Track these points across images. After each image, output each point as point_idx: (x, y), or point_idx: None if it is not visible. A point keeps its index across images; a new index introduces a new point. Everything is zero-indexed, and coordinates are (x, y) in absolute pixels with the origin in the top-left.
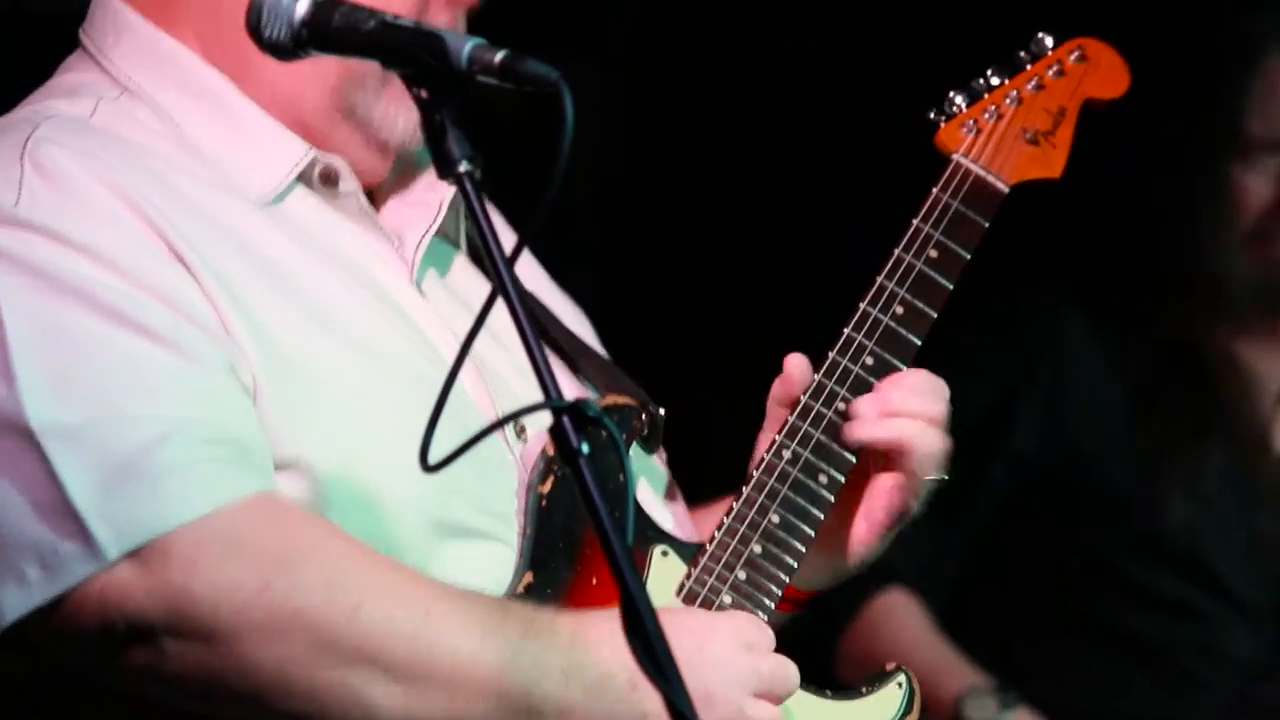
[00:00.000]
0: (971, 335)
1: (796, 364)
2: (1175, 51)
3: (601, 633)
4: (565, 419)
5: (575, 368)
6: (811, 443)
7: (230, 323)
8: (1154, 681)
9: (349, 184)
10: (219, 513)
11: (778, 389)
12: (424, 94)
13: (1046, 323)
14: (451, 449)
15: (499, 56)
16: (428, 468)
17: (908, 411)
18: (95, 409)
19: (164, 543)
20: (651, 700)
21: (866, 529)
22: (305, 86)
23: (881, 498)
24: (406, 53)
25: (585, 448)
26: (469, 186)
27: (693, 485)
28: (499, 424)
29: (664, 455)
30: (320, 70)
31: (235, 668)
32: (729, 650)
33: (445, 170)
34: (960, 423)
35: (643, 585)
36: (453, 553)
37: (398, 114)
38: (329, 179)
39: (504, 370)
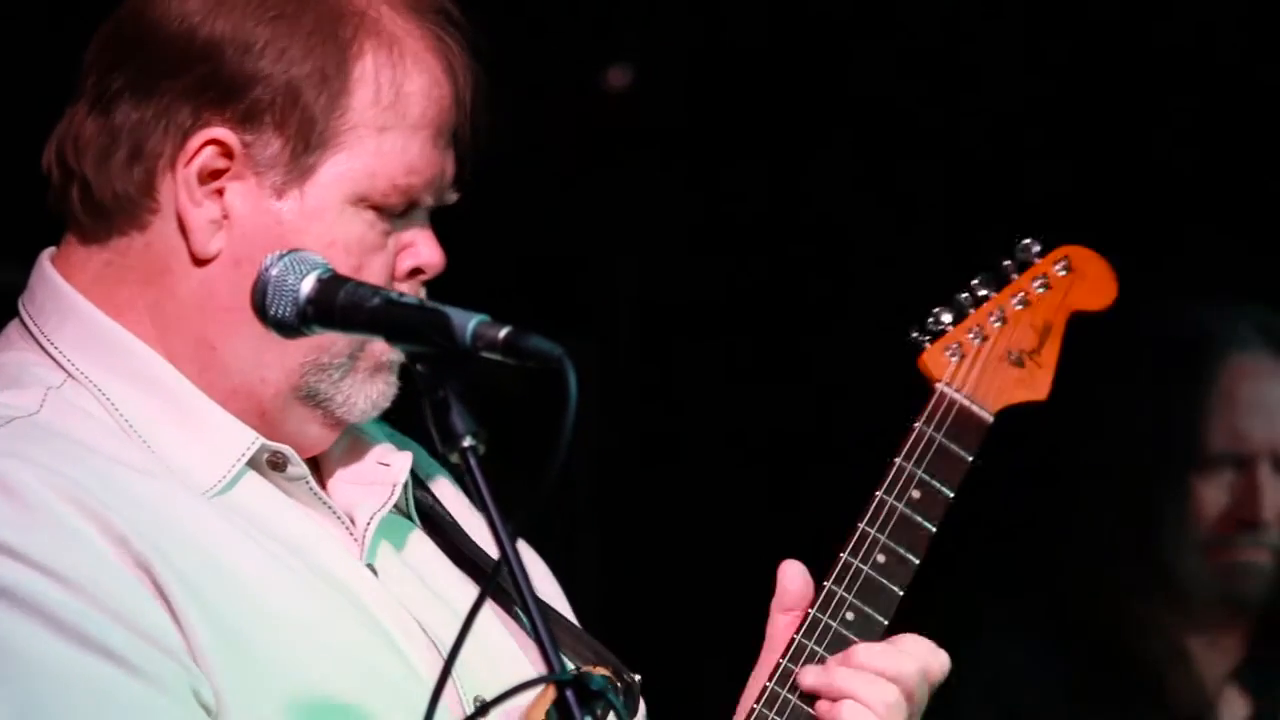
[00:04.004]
0: None
1: (791, 575)
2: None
3: None
4: (569, 692)
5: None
6: (789, 709)
7: (193, 635)
8: None
9: (298, 469)
10: None
11: (785, 599)
12: (426, 370)
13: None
14: None
15: (503, 333)
16: None
17: (857, 696)
18: None
19: None
20: None
21: None
22: (268, 373)
23: None
24: (411, 330)
25: None
26: (473, 461)
27: None
28: (506, 696)
29: None
30: (285, 358)
31: None
32: None
33: (449, 445)
34: None
35: None
36: None
37: (359, 396)
38: (277, 465)
39: (464, 650)
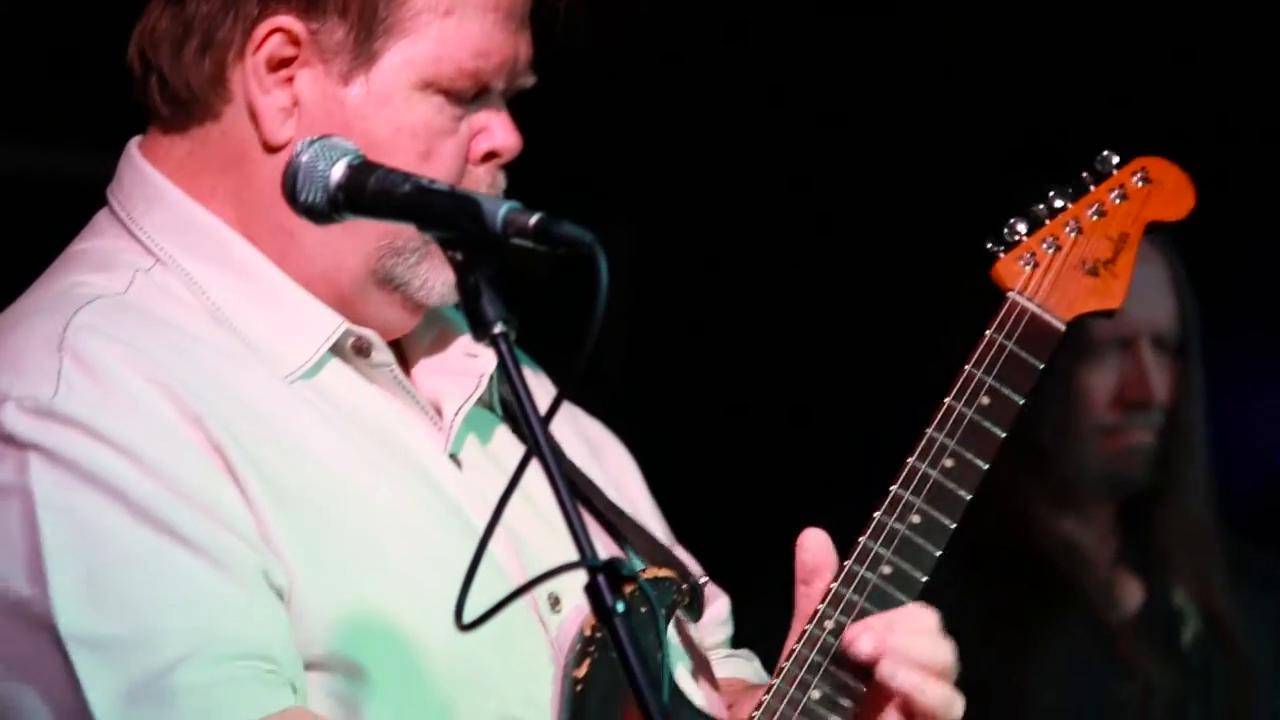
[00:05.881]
0: None
1: (812, 541)
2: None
3: None
4: (600, 578)
5: (619, 538)
6: (855, 611)
7: (266, 518)
8: None
9: (382, 355)
10: None
11: (800, 569)
12: (459, 256)
13: None
14: (484, 616)
15: (533, 220)
16: (463, 626)
17: (908, 658)
18: (125, 622)
19: None
20: None
21: None
22: (345, 259)
23: None
24: (442, 217)
25: (621, 606)
26: (504, 348)
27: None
28: (535, 582)
29: (702, 630)
30: (360, 243)
31: None
32: None
33: (480, 332)
34: None
35: None
36: None
37: (435, 280)
38: (362, 350)
39: (539, 539)
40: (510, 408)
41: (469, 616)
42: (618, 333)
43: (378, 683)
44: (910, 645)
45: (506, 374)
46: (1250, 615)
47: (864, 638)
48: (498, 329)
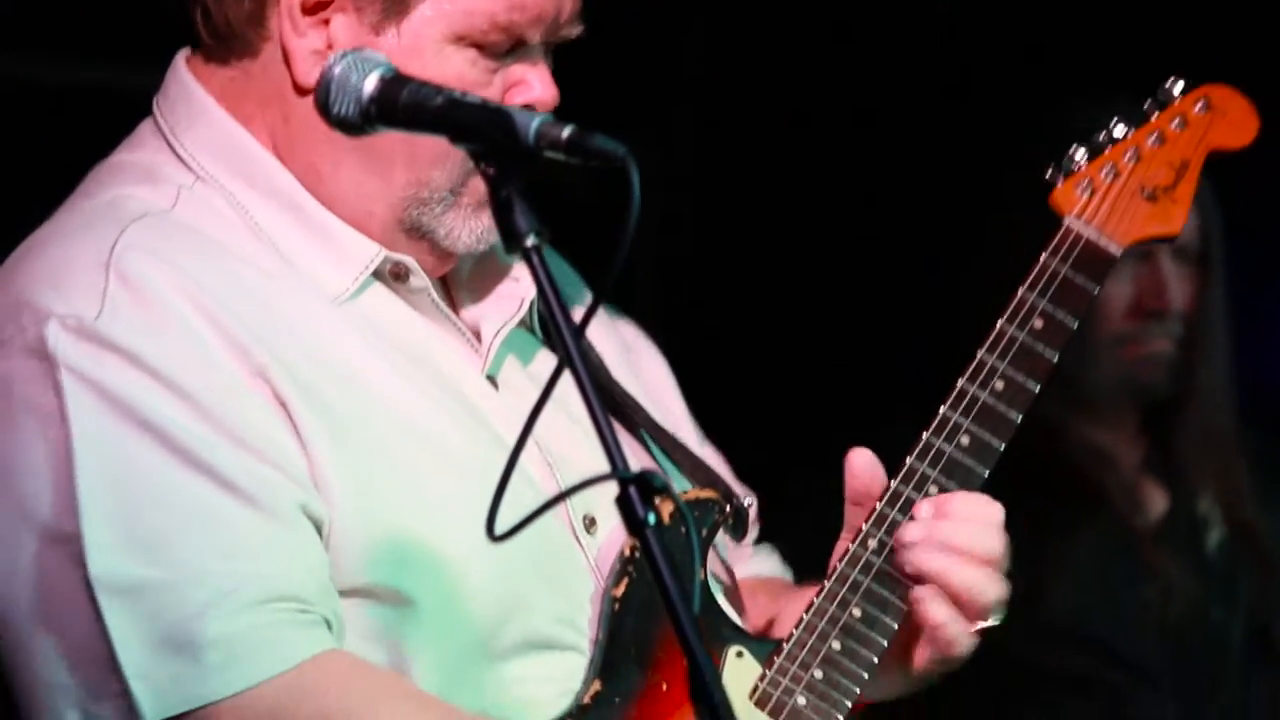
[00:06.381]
0: None
1: (860, 462)
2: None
3: None
4: (631, 489)
5: (664, 456)
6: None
7: (313, 447)
8: None
9: (420, 280)
10: (263, 685)
11: (849, 490)
12: (491, 170)
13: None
14: (516, 528)
15: (566, 132)
16: (494, 538)
17: (956, 547)
18: (155, 566)
19: (205, 715)
20: None
21: (920, 656)
22: (373, 206)
23: (928, 634)
24: (474, 129)
25: (651, 518)
26: (536, 260)
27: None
28: (567, 493)
29: (749, 548)
30: (388, 190)
31: None
32: None
33: (512, 244)
34: None
35: (708, 655)
36: (526, 669)
37: (461, 229)
38: (400, 276)
39: (577, 455)
40: (546, 323)
41: (501, 530)
42: (648, 245)
43: (419, 608)
44: (952, 532)
45: (539, 285)
46: (1276, 518)
47: (911, 527)
48: (529, 241)
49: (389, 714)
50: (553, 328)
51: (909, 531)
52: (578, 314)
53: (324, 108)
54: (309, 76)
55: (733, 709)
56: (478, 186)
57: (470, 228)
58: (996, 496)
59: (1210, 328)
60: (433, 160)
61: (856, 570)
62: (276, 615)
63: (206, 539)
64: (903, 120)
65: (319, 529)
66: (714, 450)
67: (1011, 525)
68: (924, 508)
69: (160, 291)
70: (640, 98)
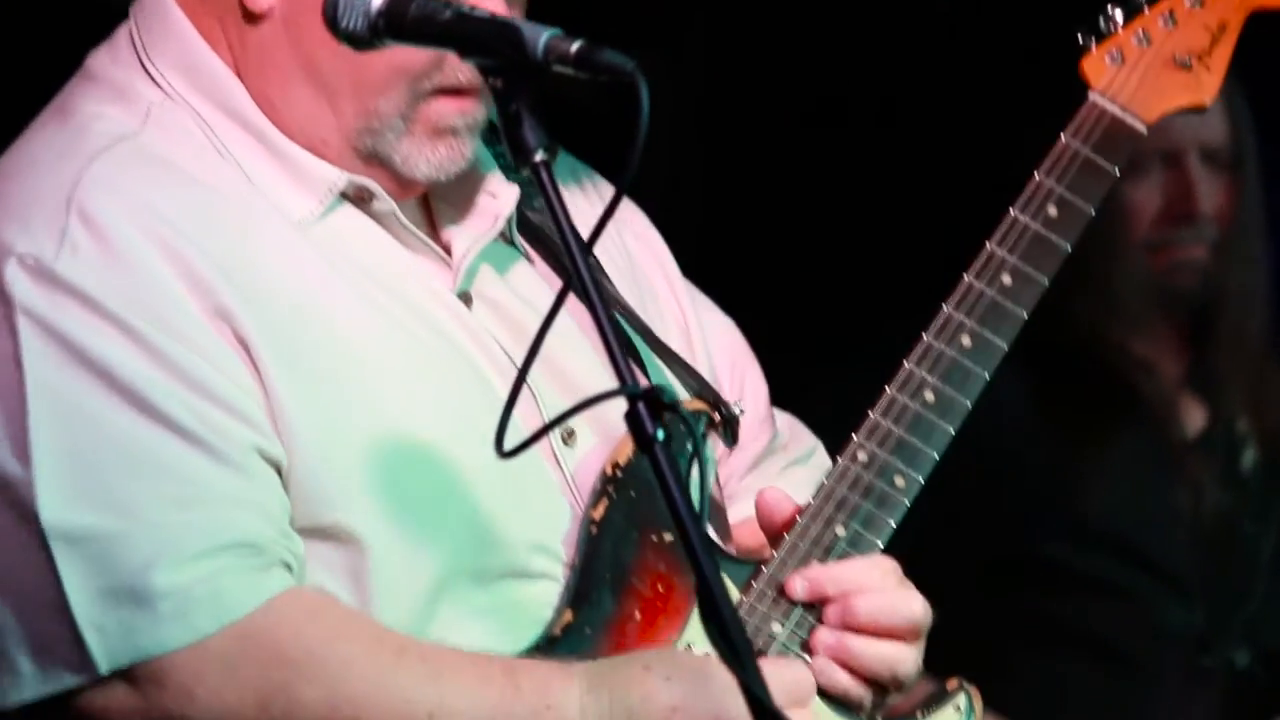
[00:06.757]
0: None
1: (770, 502)
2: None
3: (629, 676)
4: (640, 405)
5: (660, 362)
6: (891, 441)
7: (273, 386)
8: (1103, 672)
9: (384, 204)
10: (219, 633)
11: (762, 524)
12: (499, 84)
13: None
14: (524, 445)
15: (575, 47)
16: (504, 454)
17: (879, 631)
18: (106, 514)
19: (160, 666)
20: None
21: None
22: (327, 135)
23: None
24: (482, 43)
25: (661, 434)
26: (545, 175)
27: None
28: (574, 410)
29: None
30: (339, 120)
31: None
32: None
33: (520, 159)
34: None
35: (718, 570)
36: (498, 598)
37: (418, 157)
38: (365, 199)
39: (571, 367)
40: (547, 237)
41: (505, 447)
42: (659, 168)
43: (386, 543)
44: (864, 633)
45: (548, 201)
46: None
47: (823, 633)
48: (538, 156)
49: (347, 651)
50: (562, 246)
51: (821, 639)
52: (595, 206)
53: (331, 22)
54: (257, 2)
55: (744, 628)
56: (429, 115)
57: (427, 156)
58: (1034, 397)
59: (1245, 234)
60: (377, 89)
61: (843, 486)
62: (227, 562)
63: (158, 488)
64: (919, 40)
65: (279, 470)
66: (724, 317)
67: (1050, 424)
68: (830, 613)
69: (121, 230)
70: (650, 17)
